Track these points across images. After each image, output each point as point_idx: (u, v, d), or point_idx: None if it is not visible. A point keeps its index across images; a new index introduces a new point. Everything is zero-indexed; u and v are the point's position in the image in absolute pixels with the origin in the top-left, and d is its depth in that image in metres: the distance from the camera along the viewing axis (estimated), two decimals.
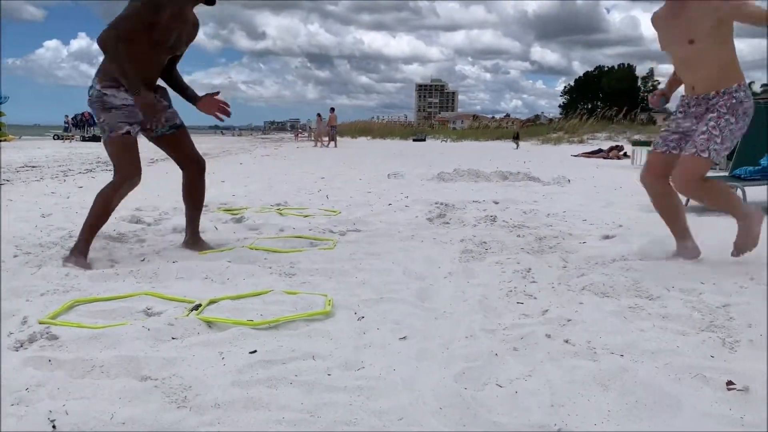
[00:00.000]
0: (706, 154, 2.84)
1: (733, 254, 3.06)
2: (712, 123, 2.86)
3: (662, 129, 3.17)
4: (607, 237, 4.06)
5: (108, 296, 2.57)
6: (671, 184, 3.00)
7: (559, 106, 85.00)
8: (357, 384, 1.71)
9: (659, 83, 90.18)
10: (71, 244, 3.47)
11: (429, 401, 1.59)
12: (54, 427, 1.46)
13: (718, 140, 2.84)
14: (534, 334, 2.10)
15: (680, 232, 3.25)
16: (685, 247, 3.22)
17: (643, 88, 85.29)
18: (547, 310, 2.40)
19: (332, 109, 27.25)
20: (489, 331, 2.17)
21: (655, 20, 3.13)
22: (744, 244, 3.03)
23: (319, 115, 27.97)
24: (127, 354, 1.92)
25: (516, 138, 28.13)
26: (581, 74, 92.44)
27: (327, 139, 26.76)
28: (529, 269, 3.08)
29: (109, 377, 1.78)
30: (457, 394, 1.64)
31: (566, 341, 2.04)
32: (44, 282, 2.83)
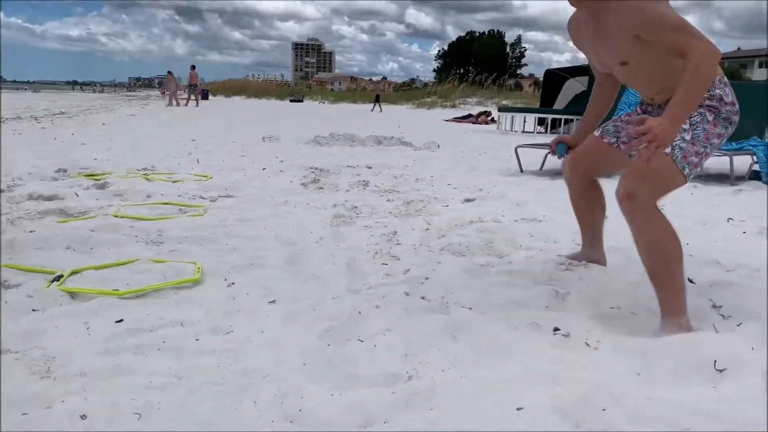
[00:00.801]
0: (667, 150, 1.93)
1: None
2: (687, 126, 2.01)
3: (618, 119, 2.42)
4: (468, 200, 4.35)
5: None
6: (623, 189, 1.95)
7: (434, 70, 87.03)
8: (225, 347, 1.78)
9: (526, 50, 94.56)
10: None
11: (294, 359, 1.71)
12: None
13: (687, 137, 1.98)
14: (394, 292, 2.27)
15: (591, 238, 2.65)
16: (590, 256, 2.65)
17: (511, 54, 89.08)
18: (408, 270, 2.59)
19: (192, 67, 26.18)
20: (354, 292, 2.32)
21: (573, 31, 2.31)
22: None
23: (170, 72, 26.49)
24: None
25: (377, 101, 28.67)
26: (454, 39, 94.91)
27: (185, 97, 25.59)
28: (395, 232, 3.26)
29: None
30: (320, 351, 1.77)
31: (423, 298, 2.23)
32: None
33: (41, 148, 7.13)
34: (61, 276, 2.35)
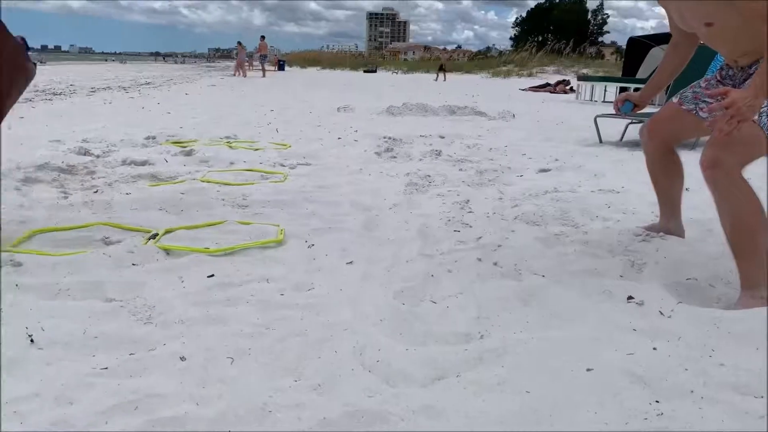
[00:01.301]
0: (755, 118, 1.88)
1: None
2: None
3: (697, 85, 2.37)
4: (543, 170, 4.32)
5: (66, 226, 2.66)
6: (706, 157, 1.92)
7: (511, 38, 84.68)
8: (307, 302, 1.90)
9: (608, 16, 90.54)
10: (18, 175, 3.50)
11: (371, 315, 1.80)
12: (32, 341, 1.60)
13: None
14: (467, 258, 2.33)
15: (669, 209, 2.59)
16: (668, 227, 2.59)
17: (593, 21, 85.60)
18: (480, 237, 2.63)
19: (262, 37, 26.97)
20: (427, 256, 2.39)
21: None
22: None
23: (239, 43, 27.01)
24: (91, 279, 2.06)
25: (441, 70, 28.48)
26: (533, 6, 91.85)
27: (260, 68, 26.02)
28: (468, 201, 3.30)
29: (76, 299, 1.92)
30: (395, 309, 1.86)
31: (495, 264, 2.27)
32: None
33: (131, 117, 7.53)
34: (157, 234, 2.53)
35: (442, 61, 33.81)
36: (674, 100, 2.41)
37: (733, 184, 1.91)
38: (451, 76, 27.91)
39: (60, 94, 11.36)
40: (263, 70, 25.82)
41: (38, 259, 2.25)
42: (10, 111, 2.48)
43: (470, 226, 2.83)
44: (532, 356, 1.53)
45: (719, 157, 1.89)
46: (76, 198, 3.23)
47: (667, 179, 2.54)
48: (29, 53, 2.85)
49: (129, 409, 1.32)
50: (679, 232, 2.59)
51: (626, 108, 2.52)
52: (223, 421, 1.27)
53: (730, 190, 1.91)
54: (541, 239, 2.61)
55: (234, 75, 24.70)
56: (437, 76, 27.49)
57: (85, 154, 4.51)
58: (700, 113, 2.30)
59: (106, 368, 1.50)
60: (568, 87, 18.46)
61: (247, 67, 25.95)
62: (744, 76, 2.14)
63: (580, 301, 1.91)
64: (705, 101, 2.29)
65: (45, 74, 22.94)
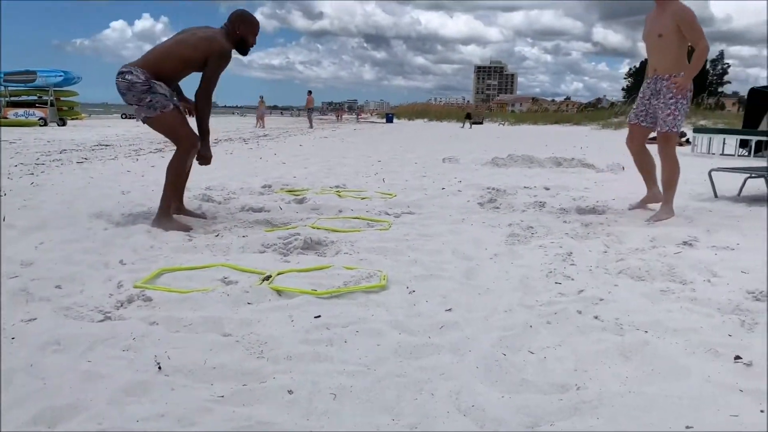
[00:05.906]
0: (675, 129, 4.34)
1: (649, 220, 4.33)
2: (672, 106, 4.30)
3: (633, 107, 4.65)
4: (652, 225, 4.19)
5: (190, 266, 2.92)
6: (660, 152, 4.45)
7: (623, 89, 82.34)
8: (407, 345, 1.98)
9: (729, 66, 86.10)
10: (152, 217, 3.87)
11: (468, 362, 1.85)
12: (160, 368, 1.79)
13: (679, 117, 4.31)
14: (567, 310, 2.32)
15: (651, 180, 4.80)
16: (653, 193, 4.77)
17: (712, 72, 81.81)
18: (582, 290, 2.61)
19: (309, 92, 30.75)
20: (526, 307, 2.41)
21: (646, 18, 4.46)
22: (660, 217, 4.35)
23: (261, 97, 29.13)
24: (211, 315, 2.25)
25: (468, 118, 32.69)
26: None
27: (261, 121, 27.49)
28: (571, 253, 3.28)
29: (198, 333, 2.11)
30: (492, 357, 1.89)
31: (596, 317, 2.26)
32: (133, 253, 3.22)
33: (250, 167, 8.07)
34: (270, 276, 2.72)
35: (469, 110, 38.56)
36: (628, 121, 4.78)
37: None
38: (556, 128, 27.65)
39: None
40: (310, 121, 29.60)
41: (166, 295, 2.49)
42: (142, 158, 2.90)
43: (572, 279, 2.82)
44: (629, 410, 1.52)
45: (667, 154, 4.39)
46: (200, 241, 3.52)
47: (644, 166, 4.80)
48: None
49: None
50: (659, 197, 4.62)
51: None
52: None
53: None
54: (645, 294, 2.56)
55: (257, 126, 26.35)
56: (464, 124, 31.27)
57: (208, 201, 4.90)
58: (641, 123, 4.60)
59: (222, 396, 1.64)
60: (683, 139, 17.67)
61: (362, 118, 28.72)
62: (661, 84, 4.35)
63: (684, 359, 1.86)
64: (640, 113, 4.62)
65: None
